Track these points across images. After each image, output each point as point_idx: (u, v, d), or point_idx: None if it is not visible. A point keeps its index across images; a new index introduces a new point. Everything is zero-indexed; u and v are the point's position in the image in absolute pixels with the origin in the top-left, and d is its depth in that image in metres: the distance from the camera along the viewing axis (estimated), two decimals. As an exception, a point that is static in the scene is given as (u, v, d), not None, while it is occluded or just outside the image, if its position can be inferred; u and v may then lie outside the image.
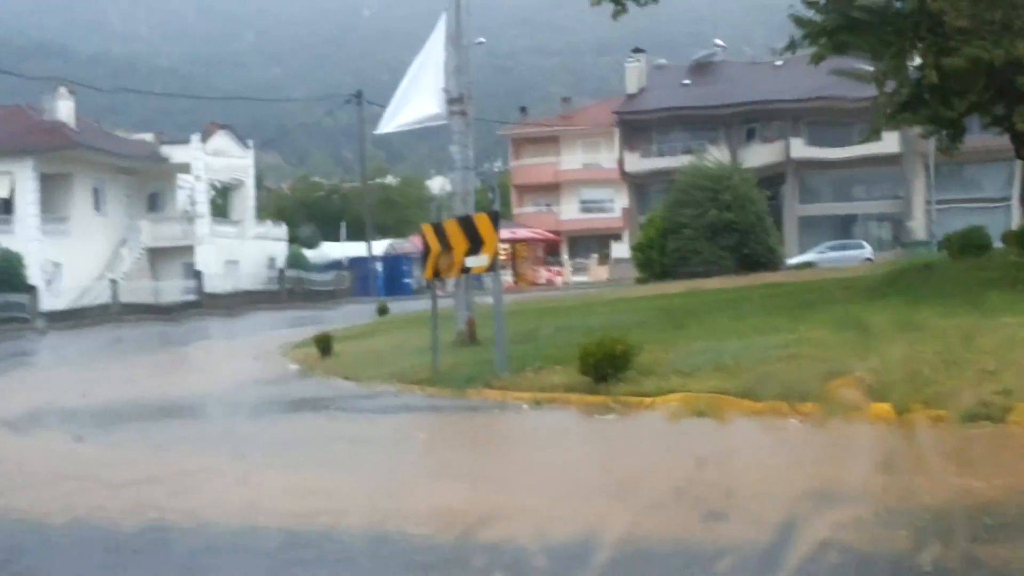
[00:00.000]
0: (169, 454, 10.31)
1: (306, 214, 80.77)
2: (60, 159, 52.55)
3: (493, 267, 14.19)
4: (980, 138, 26.87)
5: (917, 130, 24.59)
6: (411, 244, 56.04)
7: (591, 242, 72.56)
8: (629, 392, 11.23)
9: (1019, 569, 5.26)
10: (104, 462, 9.92)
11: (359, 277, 59.89)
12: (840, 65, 22.07)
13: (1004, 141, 21.50)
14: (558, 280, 66.79)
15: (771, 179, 48.74)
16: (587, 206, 74.17)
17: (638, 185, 65.31)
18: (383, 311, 33.58)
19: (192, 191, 59.86)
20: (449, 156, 19.66)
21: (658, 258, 40.64)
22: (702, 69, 68.70)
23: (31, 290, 46.77)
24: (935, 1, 17.42)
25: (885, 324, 13.19)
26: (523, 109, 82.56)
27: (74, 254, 51.85)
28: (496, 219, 14.15)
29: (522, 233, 67.75)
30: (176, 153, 59.04)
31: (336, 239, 71.65)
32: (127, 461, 9.94)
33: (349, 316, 34.19)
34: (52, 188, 52.35)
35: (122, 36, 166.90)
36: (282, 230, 66.36)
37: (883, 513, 6.32)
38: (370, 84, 62.73)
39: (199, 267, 55.34)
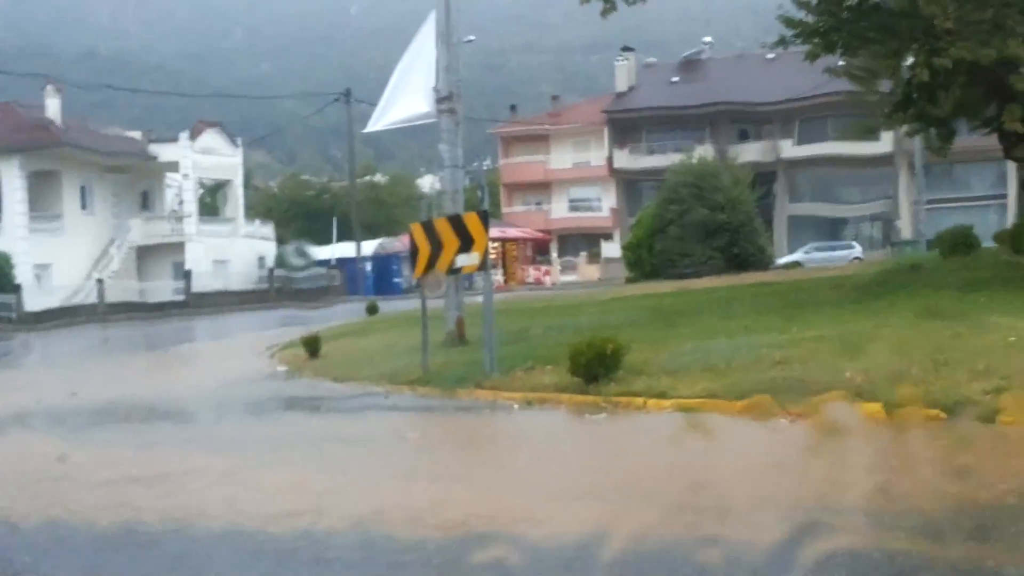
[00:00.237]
0: (155, 454, 10.25)
1: (295, 213, 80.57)
2: (47, 157, 52.31)
3: (483, 266, 14.16)
4: (969, 138, 26.91)
5: (905, 129, 24.61)
6: (401, 243, 55.90)
7: (580, 241, 72.51)
8: (619, 392, 11.22)
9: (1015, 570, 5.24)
10: (89, 462, 9.87)
11: (349, 276, 59.75)
12: (832, 63, 22.09)
13: (993, 141, 21.54)
14: (547, 280, 66.72)
15: (761, 178, 48.69)
16: (576, 205, 74.10)
17: (627, 183, 65.36)
18: (372, 310, 33.50)
19: (180, 189, 59.68)
20: (438, 154, 19.60)
21: (648, 258, 40.63)
22: (691, 67, 68.81)
23: (17, 290, 46.52)
24: (927, 5, 17.44)
25: (875, 324, 13.20)
26: (513, 107, 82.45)
27: (62, 253, 51.60)
28: (486, 218, 14.11)
29: (512, 232, 67.69)
30: (164, 151, 58.78)
31: (326, 238, 71.45)
32: (112, 461, 9.89)
33: (339, 315, 34.12)
34: (39, 187, 52.10)
35: (110, 33, 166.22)
36: (269, 229, 66.14)
37: (872, 512, 6.31)
38: (359, 82, 62.68)
39: (188, 266, 55.16)
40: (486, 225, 13.88)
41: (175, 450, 10.42)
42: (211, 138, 61.08)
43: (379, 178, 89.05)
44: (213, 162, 60.44)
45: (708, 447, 8.86)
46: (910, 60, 19.65)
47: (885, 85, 21.18)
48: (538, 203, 75.16)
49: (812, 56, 21.02)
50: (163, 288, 54.56)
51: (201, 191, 62.23)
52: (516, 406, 11.76)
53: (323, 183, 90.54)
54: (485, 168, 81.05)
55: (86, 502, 7.95)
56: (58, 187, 53.40)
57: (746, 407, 9.98)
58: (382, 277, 60.86)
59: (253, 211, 69.65)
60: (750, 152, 60.38)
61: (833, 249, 51.99)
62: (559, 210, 74.28)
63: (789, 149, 61.61)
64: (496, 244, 59.23)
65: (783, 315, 15.77)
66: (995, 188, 55.29)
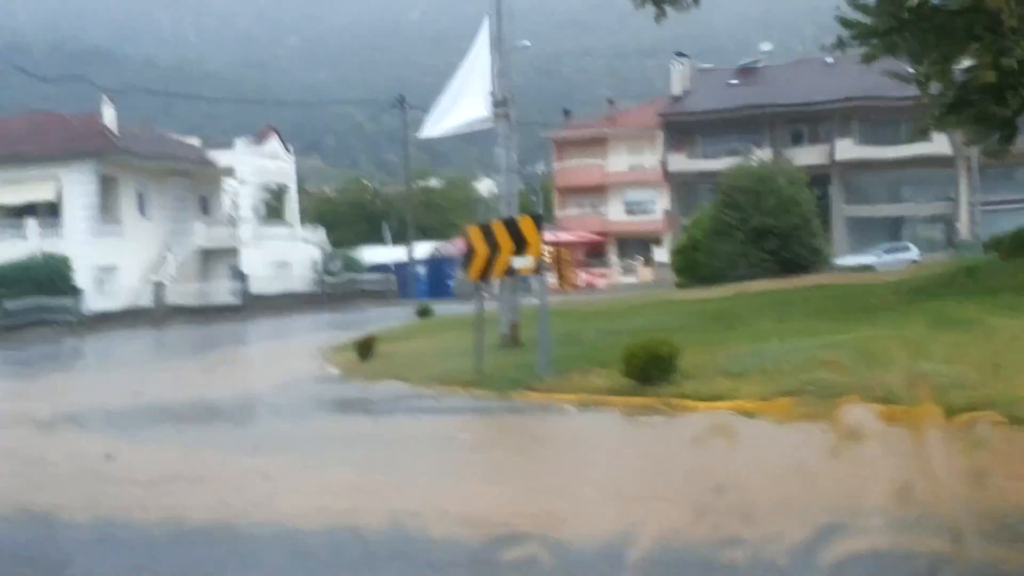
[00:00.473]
0: (208, 454, 10.36)
1: (353, 217, 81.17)
2: (109, 163, 53.19)
3: (538, 269, 14.20)
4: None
5: (961, 135, 24.35)
6: (454, 247, 56.11)
7: (635, 244, 72.40)
8: (674, 394, 11.18)
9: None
10: (153, 462, 10.01)
11: (403, 280, 60.08)
12: (891, 65, 21.89)
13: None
14: (600, 283, 66.61)
15: (817, 180, 48.18)
16: (631, 208, 74.02)
17: (681, 187, 65.08)
18: (425, 313, 33.62)
19: (236, 194, 60.41)
20: (494, 159, 19.65)
21: (706, 260, 40.28)
22: (748, 71, 68.43)
23: (77, 293, 47.31)
24: (994, 0, 17.25)
25: (933, 326, 13.05)
26: (567, 112, 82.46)
27: (122, 257, 52.44)
28: (539, 221, 14.14)
29: (563, 236, 67.73)
30: (222, 157, 59.61)
31: (379, 242, 71.93)
32: (163, 460, 10.03)
33: (391, 318, 34.28)
34: (104, 191, 53.06)
35: (170, 42, 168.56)
36: (321, 233, 66.72)
37: (928, 519, 6.24)
38: (413, 88, 62.99)
39: (244, 269, 55.76)
40: (540, 228, 13.92)
41: (227, 451, 10.52)
42: (274, 143, 61.95)
43: (434, 182, 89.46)
44: (275, 167, 61.24)
45: (762, 449, 8.80)
46: (964, 63, 19.43)
47: (937, 87, 20.95)
48: (593, 206, 75.08)
49: (869, 58, 20.87)
50: (220, 291, 55.18)
51: (267, 195, 62.84)
52: (571, 408, 11.76)
53: (376, 187, 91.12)
54: (539, 172, 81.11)
55: (134, 499, 8.06)
56: (119, 192, 54.25)
57: (802, 411, 9.90)
58: (436, 280, 61.12)
59: (307, 216, 70.28)
60: (806, 154, 59.77)
61: (892, 252, 51.35)
62: (615, 213, 74.24)
63: (846, 150, 60.99)
64: (550, 248, 59.21)
65: (838, 319, 15.64)
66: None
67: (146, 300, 50.92)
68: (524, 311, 18.37)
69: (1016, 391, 9.09)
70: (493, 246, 14.27)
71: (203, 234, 58.04)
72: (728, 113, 63.70)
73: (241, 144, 60.23)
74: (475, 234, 14.88)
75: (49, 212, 52.21)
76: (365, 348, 19.60)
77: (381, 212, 79.74)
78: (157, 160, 56.35)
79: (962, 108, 20.01)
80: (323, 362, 20.97)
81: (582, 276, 67.82)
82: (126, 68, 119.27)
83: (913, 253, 51.33)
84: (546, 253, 19.41)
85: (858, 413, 9.38)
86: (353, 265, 63.11)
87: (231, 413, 14.34)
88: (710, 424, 10.20)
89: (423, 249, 63.19)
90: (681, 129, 66.11)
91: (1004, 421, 8.69)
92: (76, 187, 51.88)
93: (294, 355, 23.75)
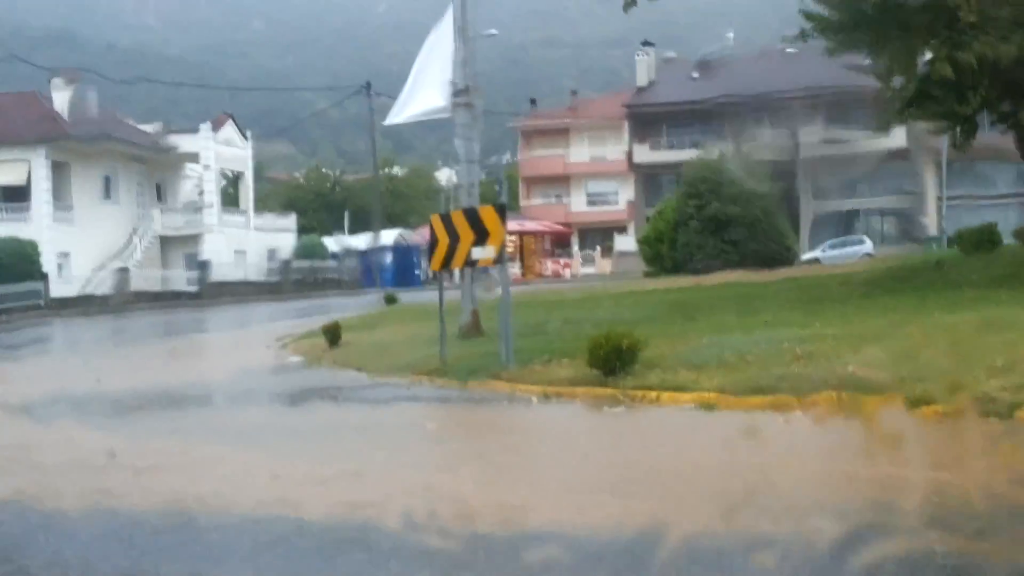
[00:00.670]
0: (170, 442, 10.28)
1: (317, 205, 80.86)
2: (72, 148, 52.65)
3: (499, 259, 14.16)
4: (991, 135, 26.82)
5: (925, 126, 24.55)
6: (420, 235, 56.01)
7: (597, 235, 72.54)
8: (637, 385, 11.22)
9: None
10: (115, 449, 9.93)
11: (367, 268, 59.96)
12: (852, 59, 22.05)
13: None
14: (565, 272, 66.76)
15: (781, 174, 48.48)
16: (593, 199, 74.12)
17: (646, 178, 65.28)
18: (390, 301, 33.57)
19: (200, 180, 59.95)
20: (455, 148, 19.60)
21: (668, 252, 40.51)
22: (711, 62, 68.67)
23: (44, 277, 46.91)
24: None
25: (894, 320, 13.18)
26: (532, 101, 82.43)
27: (83, 242, 51.97)
28: (503, 212, 14.10)
29: (530, 226, 67.74)
30: (184, 142, 59.11)
31: (340, 230, 71.74)
32: (138, 449, 9.94)
33: (356, 307, 34.19)
34: (62, 177, 52.52)
35: (132, 26, 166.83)
36: (290, 220, 66.36)
37: (886, 506, 6.32)
38: (380, 75, 62.72)
39: (206, 256, 55.41)
40: (503, 218, 13.88)
41: (190, 439, 10.45)
42: (229, 130, 61.45)
43: (398, 171, 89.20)
44: (231, 154, 60.79)
45: (724, 440, 8.85)
46: (927, 56, 19.59)
47: (899, 81, 21.12)
48: (557, 196, 75.14)
49: (832, 52, 21.00)
50: (181, 278, 54.84)
51: (223, 183, 62.51)
52: (534, 399, 11.78)
53: (336, 176, 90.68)
54: (505, 162, 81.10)
55: (102, 486, 7.99)
56: (80, 177, 53.79)
57: (763, 401, 9.98)
58: (401, 268, 61.01)
59: (271, 202, 69.90)
60: (769, 147, 60.06)
61: (845, 245, 51.57)
62: (578, 203, 74.32)
63: (810, 143, 61.36)
64: (514, 237, 59.24)
65: (802, 311, 15.76)
66: (1016, 186, 55.07)
67: (105, 286, 50.48)
68: (487, 301, 18.36)
69: (976, 384, 9.18)
70: (454, 236, 14.24)
71: (167, 220, 57.57)
72: (692, 105, 63.92)
73: (204, 130, 59.80)
74: (437, 223, 14.85)
75: (17, 196, 51.60)
76: (330, 335, 19.53)
77: (344, 200, 79.48)
78: (124, 144, 55.78)
79: (923, 102, 20.16)
80: (285, 350, 20.89)
81: (548, 266, 67.97)
82: (87, 52, 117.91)
83: (867, 246, 51.40)
84: (510, 243, 19.41)
85: (820, 404, 9.50)
86: (317, 252, 62.85)
87: (191, 401, 14.23)
88: (670, 417, 10.30)
89: (388, 237, 63.03)
90: (645, 120, 66.33)
91: (962, 411, 8.79)
92: (43, 171, 51.44)
93: (256, 343, 23.63)
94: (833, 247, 51.24)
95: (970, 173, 55.83)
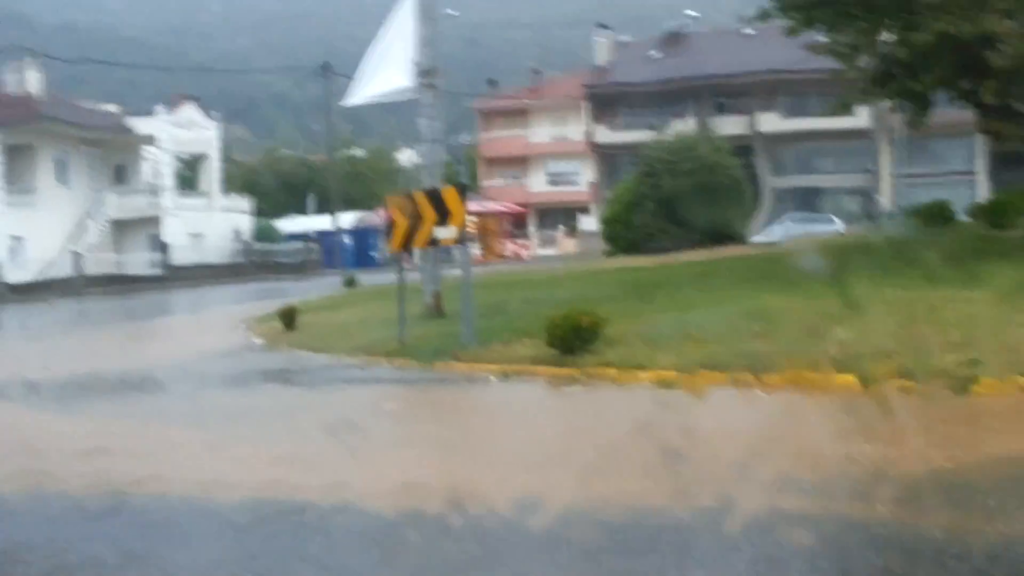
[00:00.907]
0: (132, 425, 10.21)
1: (275, 186, 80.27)
2: (24, 131, 51.91)
3: (461, 239, 14.17)
4: (946, 112, 27.06)
5: (886, 104, 24.74)
6: (378, 217, 55.84)
7: (559, 215, 72.46)
8: (596, 364, 11.25)
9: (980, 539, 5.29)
10: (64, 433, 9.84)
11: (327, 250, 59.72)
12: (812, 38, 22.12)
13: (965, 115, 21.68)
14: (524, 253, 66.73)
15: (741, 152, 48.56)
16: (554, 179, 74.02)
17: (606, 158, 65.34)
18: (350, 283, 33.46)
19: (157, 163, 59.37)
20: (417, 129, 19.52)
21: (624, 232, 40.61)
22: (671, 41, 68.67)
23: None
24: None
25: (850, 297, 13.26)
26: (492, 81, 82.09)
27: (37, 226, 51.27)
28: (464, 192, 14.10)
29: (490, 206, 67.60)
30: (141, 125, 58.47)
31: (303, 211, 71.34)
32: (88, 432, 9.86)
33: (316, 289, 34.05)
34: (16, 160, 51.75)
35: (88, 6, 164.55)
36: (247, 203, 65.91)
37: (841, 481, 6.37)
38: (338, 56, 62.21)
39: (165, 239, 54.93)
40: (464, 199, 13.87)
41: (147, 422, 10.38)
42: (188, 112, 60.78)
43: (358, 152, 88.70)
44: (190, 136, 60.18)
45: (679, 417, 8.89)
46: (889, 36, 19.72)
47: (864, 61, 21.23)
48: (516, 177, 74.99)
49: (792, 31, 21.08)
50: (140, 261, 54.35)
51: (180, 165, 61.95)
52: (493, 378, 11.78)
53: (300, 157, 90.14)
54: (465, 142, 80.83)
55: (54, 472, 7.92)
56: (34, 161, 53.04)
57: (722, 378, 10.03)
58: (361, 250, 60.85)
59: (232, 185, 69.36)
60: (730, 125, 60.25)
61: (814, 222, 51.22)
62: (537, 184, 74.17)
63: (770, 123, 61.62)
64: (474, 218, 59.12)
65: (759, 287, 15.84)
66: (966, 164, 55.63)
67: (65, 270, 49.93)
68: (448, 281, 18.34)
69: (931, 359, 9.27)
70: (415, 217, 14.20)
71: (122, 203, 56.91)
72: (651, 86, 63.96)
73: (161, 112, 59.17)
74: (394, 205, 14.82)
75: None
76: (288, 317, 19.44)
77: (305, 182, 78.99)
78: (78, 127, 55.10)
79: (886, 81, 20.30)
80: (247, 332, 20.78)
81: (508, 246, 67.89)
82: (40, 32, 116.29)
83: (838, 225, 50.90)
84: (471, 224, 19.40)
85: (779, 381, 9.57)
86: (273, 235, 62.48)
87: (152, 384, 14.10)
88: (627, 395, 10.33)
89: (348, 219, 62.76)
90: (605, 101, 66.30)
91: (917, 387, 8.88)
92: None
93: (217, 325, 23.50)
94: (795, 222, 50.52)
95: (923, 151, 56.24)
